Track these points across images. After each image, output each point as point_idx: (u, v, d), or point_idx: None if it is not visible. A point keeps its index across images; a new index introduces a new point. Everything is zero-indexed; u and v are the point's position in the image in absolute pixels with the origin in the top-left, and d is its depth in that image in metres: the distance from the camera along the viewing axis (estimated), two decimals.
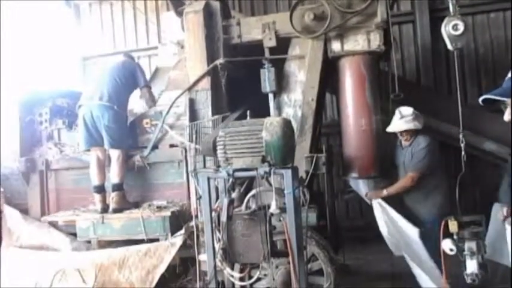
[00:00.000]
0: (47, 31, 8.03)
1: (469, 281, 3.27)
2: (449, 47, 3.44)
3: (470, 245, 3.28)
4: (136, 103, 5.29)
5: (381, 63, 5.09)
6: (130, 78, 4.98)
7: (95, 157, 4.80)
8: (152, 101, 5.13)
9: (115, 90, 4.77)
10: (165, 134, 4.86)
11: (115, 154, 4.73)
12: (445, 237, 3.43)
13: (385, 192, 4.23)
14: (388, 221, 4.16)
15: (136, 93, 5.21)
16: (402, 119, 4.20)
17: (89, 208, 4.99)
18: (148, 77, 6.27)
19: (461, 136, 3.56)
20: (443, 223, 3.44)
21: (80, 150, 5.00)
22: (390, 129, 4.29)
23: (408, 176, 4.17)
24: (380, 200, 4.23)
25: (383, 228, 4.20)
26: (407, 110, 4.22)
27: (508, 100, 1.94)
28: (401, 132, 4.27)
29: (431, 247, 4.08)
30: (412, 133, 4.23)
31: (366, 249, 5.97)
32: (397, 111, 4.26)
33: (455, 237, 3.36)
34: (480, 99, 1.97)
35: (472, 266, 3.26)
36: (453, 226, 3.34)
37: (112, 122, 4.68)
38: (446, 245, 3.39)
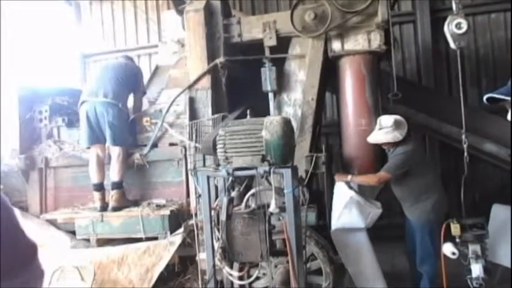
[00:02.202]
0: (48, 29, 8.02)
1: (474, 285, 3.21)
2: (452, 45, 3.43)
3: (474, 248, 3.23)
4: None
5: (382, 63, 5.08)
6: (131, 80, 5.00)
7: (95, 155, 4.79)
8: (140, 110, 5.18)
9: (118, 89, 4.79)
10: (164, 133, 4.86)
11: (115, 152, 4.73)
12: (445, 240, 3.39)
13: (349, 178, 4.18)
14: (342, 206, 4.14)
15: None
16: (381, 130, 4.11)
17: (88, 206, 4.99)
18: (148, 75, 6.30)
19: (463, 137, 3.52)
20: (444, 226, 3.40)
21: (81, 147, 5.02)
22: (369, 139, 4.22)
23: (377, 174, 4.12)
24: (342, 184, 4.21)
25: (335, 208, 4.20)
26: (387, 121, 4.09)
27: (509, 99, 1.93)
28: (382, 143, 4.20)
29: (423, 252, 4.08)
30: (393, 144, 4.14)
31: None
32: (378, 121, 4.18)
33: (457, 240, 3.31)
34: (485, 97, 1.97)
35: (477, 269, 3.20)
36: (456, 229, 3.29)
37: (116, 119, 4.69)
38: (448, 249, 3.33)
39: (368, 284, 4.14)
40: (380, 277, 4.14)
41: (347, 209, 4.08)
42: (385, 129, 4.09)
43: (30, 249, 1.22)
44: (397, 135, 4.07)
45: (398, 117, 4.16)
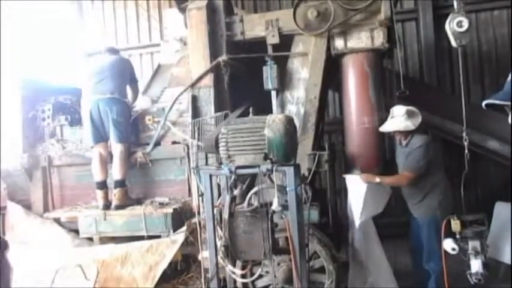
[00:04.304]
0: (50, 27, 8.04)
1: (473, 280, 3.24)
2: (454, 44, 3.42)
3: (474, 244, 3.25)
4: (139, 100, 5.31)
5: (384, 61, 5.06)
6: (126, 72, 5.04)
7: (98, 153, 4.81)
8: (136, 98, 5.27)
9: (120, 84, 4.83)
10: (167, 131, 4.86)
11: (117, 149, 4.73)
12: (446, 236, 3.41)
13: (377, 179, 4.12)
14: (362, 199, 4.15)
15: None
16: (393, 119, 4.11)
17: (91, 204, 5.00)
18: (150, 74, 6.33)
19: (464, 134, 3.53)
20: (444, 222, 3.42)
21: (84, 146, 5.06)
22: (381, 129, 4.21)
23: (404, 175, 4.09)
24: (353, 177, 4.20)
25: (354, 203, 4.22)
26: (399, 110, 4.09)
27: (509, 104, 1.93)
28: (394, 132, 4.19)
29: (429, 249, 4.07)
30: (406, 133, 4.11)
31: None
32: (390, 111, 4.18)
33: (457, 236, 3.33)
34: (483, 103, 1.96)
35: (476, 265, 3.23)
36: (456, 225, 3.31)
37: (120, 115, 4.72)
38: (448, 245, 3.35)
39: (379, 278, 4.17)
40: (389, 271, 4.22)
41: (367, 199, 4.10)
42: (398, 118, 4.07)
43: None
44: (408, 125, 4.03)
45: (411, 107, 4.14)
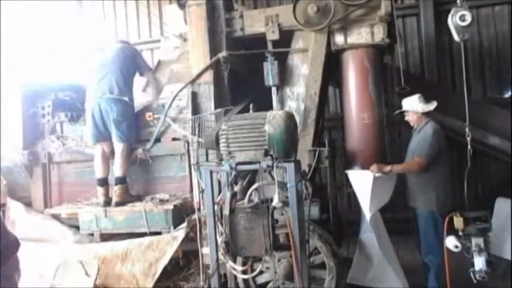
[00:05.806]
0: (50, 24, 8.02)
1: (477, 278, 3.21)
2: (456, 38, 3.41)
3: (477, 242, 3.22)
4: (140, 95, 5.29)
5: (385, 57, 5.05)
6: (131, 64, 4.93)
7: (100, 150, 4.80)
8: (158, 84, 5.14)
9: (122, 81, 4.74)
10: (167, 127, 4.85)
11: (119, 147, 4.72)
12: (448, 234, 3.38)
13: (389, 168, 4.08)
14: (369, 191, 4.11)
15: (138, 85, 5.20)
16: (404, 102, 4.23)
17: (91, 201, 5.00)
18: None
19: (467, 130, 3.51)
20: (447, 219, 3.39)
21: (85, 142, 5.04)
22: (395, 113, 4.33)
23: (415, 160, 4.06)
24: (380, 175, 4.13)
25: (362, 197, 4.21)
26: (414, 95, 4.19)
27: None
28: (407, 116, 4.24)
29: (427, 242, 4.07)
30: (417, 118, 4.18)
31: None
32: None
33: (460, 233, 3.30)
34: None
35: (480, 263, 3.20)
36: (459, 222, 3.28)
37: (121, 115, 4.68)
38: (451, 242, 3.33)
39: (382, 275, 4.19)
40: (398, 267, 4.27)
41: (374, 191, 4.09)
42: (408, 101, 4.18)
43: (14, 243, 1.42)
44: (417, 107, 4.12)
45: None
